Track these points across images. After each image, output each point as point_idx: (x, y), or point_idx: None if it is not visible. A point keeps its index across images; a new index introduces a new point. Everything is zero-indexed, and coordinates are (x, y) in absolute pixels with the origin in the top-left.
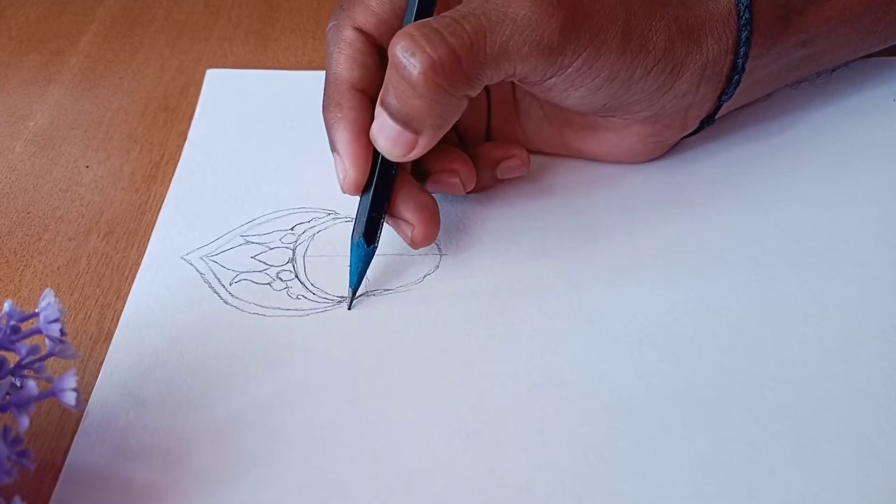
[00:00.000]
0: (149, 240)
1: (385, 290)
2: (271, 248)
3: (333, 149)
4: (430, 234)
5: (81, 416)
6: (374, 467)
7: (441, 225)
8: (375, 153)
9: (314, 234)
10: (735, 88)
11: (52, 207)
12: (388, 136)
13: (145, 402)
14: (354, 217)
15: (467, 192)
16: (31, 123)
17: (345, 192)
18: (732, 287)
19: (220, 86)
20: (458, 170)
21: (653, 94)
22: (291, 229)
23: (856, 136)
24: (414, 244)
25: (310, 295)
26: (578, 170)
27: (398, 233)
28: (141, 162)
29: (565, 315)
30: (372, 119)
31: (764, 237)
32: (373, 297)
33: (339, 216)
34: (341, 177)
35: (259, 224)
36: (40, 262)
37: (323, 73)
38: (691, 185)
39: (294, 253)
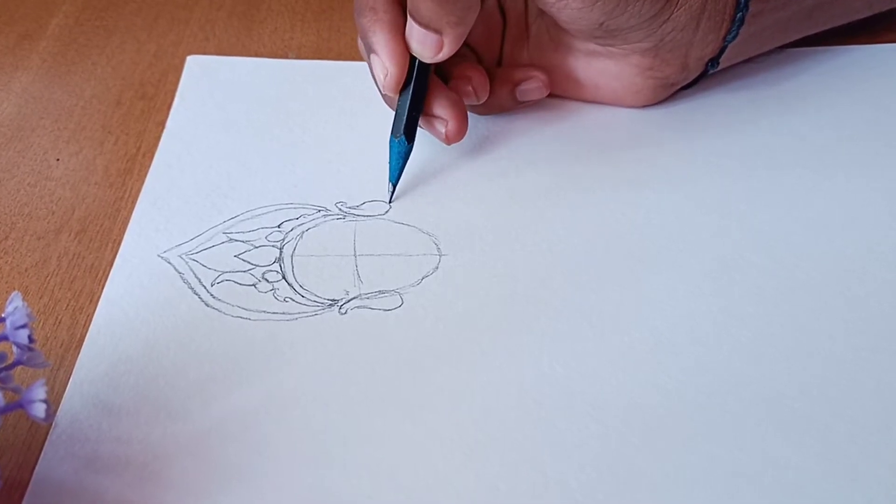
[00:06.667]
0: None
1: (381, 292)
2: (256, 247)
3: (371, 51)
4: (462, 128)
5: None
6: (368, 483)
7: (441, 224)
8: (412, 58)
9: (303, 233)
10: (739, 27)
11: (20, 204)
12: (417, 40)
13: (118, 413)
14: (394, 116)
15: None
16: None
17: (385, 92)
18: (755, 291)
19: (201, 73)
20: (472, 76)
21: (650, 22)
22: (278, 227)
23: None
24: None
25: (298, 297)
26: (582, 165)
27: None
28: (116, 155)
29: (574, 320)
30: (405, 20)
31: (789, 236)
32: (367, 300)
33: (329, 213)
34: (381, 76)
35: (243, 220)
36: (7, 262)
37: (311, 62)
38: (705, 179)
39: (281, 252)
